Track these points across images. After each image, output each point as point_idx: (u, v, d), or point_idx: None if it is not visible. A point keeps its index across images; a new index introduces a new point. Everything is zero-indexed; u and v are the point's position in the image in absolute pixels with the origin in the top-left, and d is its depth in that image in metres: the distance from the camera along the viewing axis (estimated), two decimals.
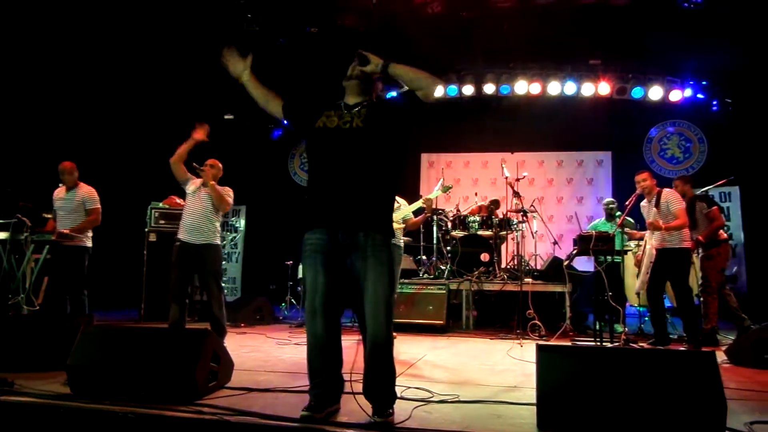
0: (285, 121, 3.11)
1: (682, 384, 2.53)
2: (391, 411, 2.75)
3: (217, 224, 5.02)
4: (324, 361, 2.81)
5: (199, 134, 4.86)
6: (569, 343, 5.77)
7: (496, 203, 8.20)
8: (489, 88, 10.10)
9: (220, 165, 5.15)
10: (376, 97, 3.02)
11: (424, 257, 8.05)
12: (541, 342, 5.91)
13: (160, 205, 7.74)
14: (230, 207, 5.10)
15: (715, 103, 9.84)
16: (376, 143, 2.83)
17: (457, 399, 3.25)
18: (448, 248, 7.77)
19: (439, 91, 10.18)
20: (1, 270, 4.66)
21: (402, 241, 6.19)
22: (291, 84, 10.16)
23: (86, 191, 5.52)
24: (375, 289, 2.67)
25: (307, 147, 3.01)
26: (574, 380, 2.64)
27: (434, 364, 4.58)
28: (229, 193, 5.06)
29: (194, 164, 4.94)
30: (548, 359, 2.71)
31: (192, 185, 5.01)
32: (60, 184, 5.64)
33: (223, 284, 10.45)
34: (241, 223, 11.78)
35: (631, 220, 6.91)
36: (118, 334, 3.31)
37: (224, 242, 11.69)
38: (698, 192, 6.45)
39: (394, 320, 2.86)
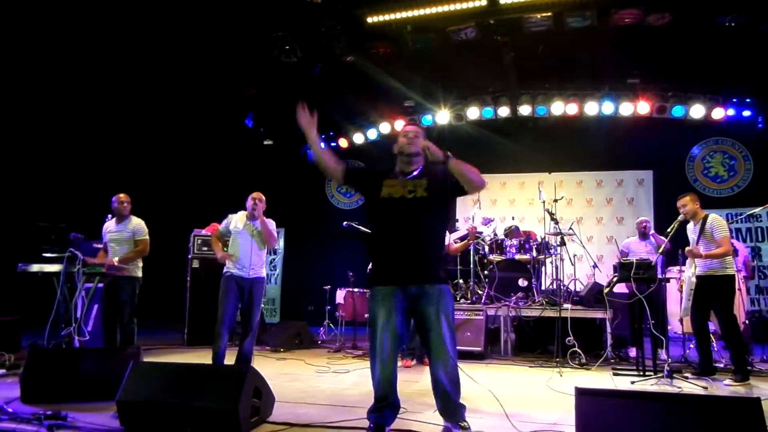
0: (344, 186, 3.56)
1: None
2: (465, 422, 3.27)
3: (264, 257, 5.23)
4: (390, 387, 3.28)
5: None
6: (610, 373, 5.67)
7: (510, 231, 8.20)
8: (525, 110, 10.07)
9: (264, 198, 5.30)
10: (425, 161, 3.43)
11: (461, 281, 8.04)
12: (579, 373, 5.82)
13: (203, 232, 7.97)
14: (276, 242, 5.27)
15: (760, 120, 9.57)
16: (438, 210, 3.37)
17: None
18: (486, 272, 7.75)
19: (474, 113, 10.26)
20: (55, 302, 4.87)
21: None
22: (327, 111, 10.44)
23: (137, 223, 5.75)
24: (443, 329, 3.23)
25: (373, 213, 3.42)
26: (613, 426, 2.61)
27: (474, 396, 4.55)
28: (274, 227, 5.21)
29: (255, 199, 5.16)
30: (587, 404, 2.70)
31: (237, 222, 5.18)
32: (109, 216, 5.89)
33: (262, 306, 10.69)
34: (280, 245, 11.99)
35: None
36: (165, 371, 3.44)
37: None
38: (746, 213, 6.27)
39: None
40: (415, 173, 3.41)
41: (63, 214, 6.98)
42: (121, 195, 5.77)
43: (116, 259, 5.47)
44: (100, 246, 5.94)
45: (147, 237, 5.74)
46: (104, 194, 6.06)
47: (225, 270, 5.09)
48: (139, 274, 5.71)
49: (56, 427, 3.19)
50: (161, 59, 8.40)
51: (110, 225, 5.79)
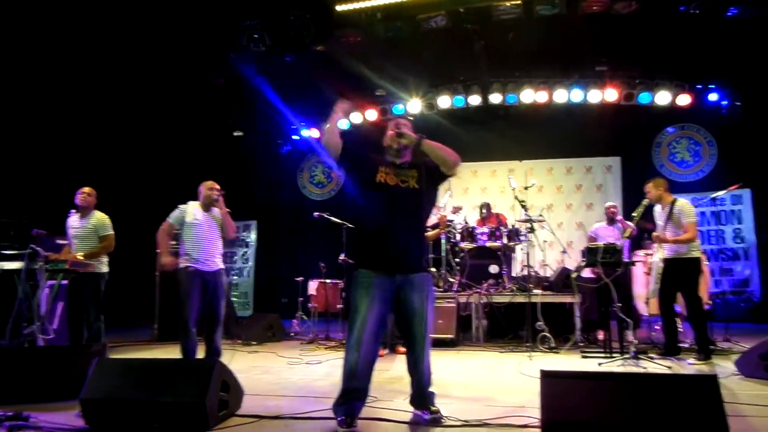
0: (337, 164, 3.43)
1: (685, 409, 2.55)
2: (435, 407, 3.38)
3: (222, 248, 5.03)
4: (366, 378, 3.25)
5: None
6: (579, 356, 5.77)
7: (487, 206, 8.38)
8: (495, 98, 10.12)
9: None
10: (413, 155, 3.53)
11: (433, 269, 8.07)
12: (549, 356, 5.92)
13: None
14: (236, 232, 5.09)
15: (724, 105, 9.78)
16: (426, 201, 3.50)
17: (464, 423, 3.28)
18: (457, 260, 7.80)
19: (445, 102, 10.27)
20: (16, 300, 4.75)
21: None
22: (296, 101, 10.34)
23: (99, 218, 5.60)
24: (426, 318, 3.31)
25: (365, 196, 3.39)
26: (577, 406, 2.66)
27: (445, 382, 4.59)
28: None
29: (215, 192, 4.88)
30: (551, 386, 2.74)
31: (194, 212, 4.86)
32: (72, 211, 5.73)
33: (233, 300, 10.49)
34: (252, 238, 11.90)
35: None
36: (130, 367, 3.38)
37: (235, 257, 11.85)
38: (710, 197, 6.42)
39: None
40: (405, 164, 3.47)
41: (23, 209, 6.79)
42: (85, 188, 5.60)
43: (80, 255, 5.34)
44: (64, 242, 5.78)
45: (111, 232, 5.59)
46: (68, 188, 5.88)
47: (186, 264, 4.70)
48: (105, 269, 5.57)
49: (17, 428, 3.12)
50: (126, 48, 8.20)
51: (73, 220, 5.63)
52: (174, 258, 4.79)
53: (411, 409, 3.52)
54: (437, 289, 7.54)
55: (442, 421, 3.31)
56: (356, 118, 10.85)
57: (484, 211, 8.42)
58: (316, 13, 8.57)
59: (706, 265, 6.13)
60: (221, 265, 4.94)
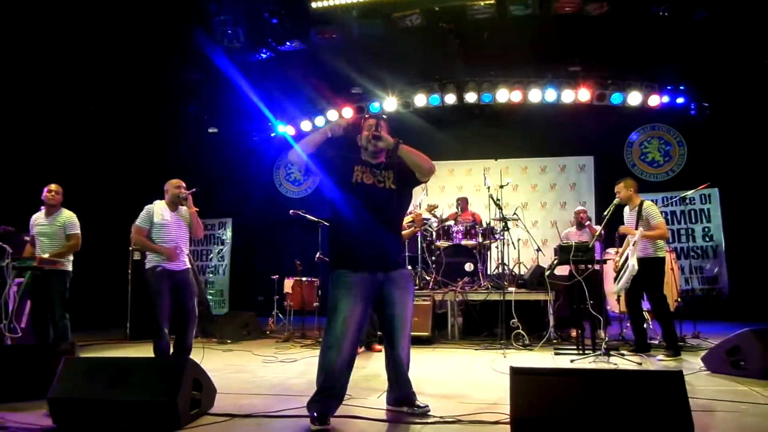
0: (314, 160, 3.38)
1: (651, 404, 2.60)
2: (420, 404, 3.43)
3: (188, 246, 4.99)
4: (345, 377, 3.27)
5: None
6: (552, 353, 5.85)
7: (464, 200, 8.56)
8: (471, 97, 10.19)
9: None
10: (387, 156, 3.53)
11: (409, 267, 8.10)
12: (522, 354, 5.98)
13: None
14: (203, 231, 5.06)
15: (693, 107, 9.99)
16: (404, 201, 3.59)
17: (438, 420, 3.30)
18: (433, 258, 7.83)
19: (421, 100, 10.31)
20: None
21: None
22: (273, 97, 10.27)
23: (67, 216, 5.49)
24: (407, 314, 3.39)
25: (343, 197, 3.37)
26: (545, 402, 2.70)
27: (420, 379, 4.60)
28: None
29: (183, 190, 4.82)
30: (521, 383, 2.77)
31: (162, 212, 4.78)
32: (41, 208, 5.61)
33: (209, 298, 10.39)
34: (228, 235, 11.79)
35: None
36: (99, 366, 3.32)
37: (210, 255, 11.73)
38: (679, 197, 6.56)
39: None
40: (381, 165, 3.49)
41: None
42: (52, 185, 5.49)
43: (46, 254, 5.22)
44: (28, 239, 5.66)
45: (78, 231, 5.49)
46: (36, 185, 5.76)
47: (154, 264, 4.65)
48: (70, 267, 5.46)
49: None
50: (97, 43, 8.04)
51: (39, 217, 5.50)
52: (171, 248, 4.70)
53: (385, 406, 3.53)
54: (414, 287, 7.56)
55: (429, 413, 3.37)
56: (332, 115, 10.81)
57: (458, 207, 8.47)
58: (291, 9, 8.52)
59: (676, 263, 6.25)
60: (188, 264, 4.90)
